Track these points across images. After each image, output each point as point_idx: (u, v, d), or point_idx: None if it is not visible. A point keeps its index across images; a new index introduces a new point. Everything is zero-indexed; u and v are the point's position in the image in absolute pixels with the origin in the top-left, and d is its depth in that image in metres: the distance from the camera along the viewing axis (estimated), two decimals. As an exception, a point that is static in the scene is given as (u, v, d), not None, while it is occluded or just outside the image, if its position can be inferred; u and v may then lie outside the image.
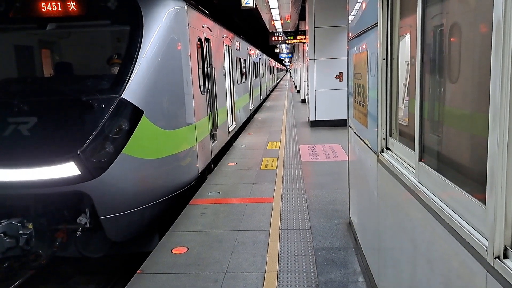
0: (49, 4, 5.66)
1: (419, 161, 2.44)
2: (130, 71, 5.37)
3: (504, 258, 1.50)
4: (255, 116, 18.50)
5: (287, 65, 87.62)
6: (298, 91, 31.10)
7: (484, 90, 1.63)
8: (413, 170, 2.55)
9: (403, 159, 2.87)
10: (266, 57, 31.69)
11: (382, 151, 3.37)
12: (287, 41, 20.32)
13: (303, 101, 23.12)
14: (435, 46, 2.46)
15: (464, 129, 2.19)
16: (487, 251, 1.57)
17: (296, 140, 11.89)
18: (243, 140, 12.22)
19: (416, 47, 2.50)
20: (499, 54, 1.47)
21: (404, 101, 3.28)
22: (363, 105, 4.16)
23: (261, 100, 24.16)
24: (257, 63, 21.65)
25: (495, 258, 1.52)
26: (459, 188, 1.92)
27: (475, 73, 2.03)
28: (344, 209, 5.89)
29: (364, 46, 4.15)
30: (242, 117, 14.57)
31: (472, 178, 1.94)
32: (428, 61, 2.44)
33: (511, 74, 1.43)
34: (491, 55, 1.53)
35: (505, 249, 1.51)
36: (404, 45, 3.21)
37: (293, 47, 38.71)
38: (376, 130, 3.49)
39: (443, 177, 2.10)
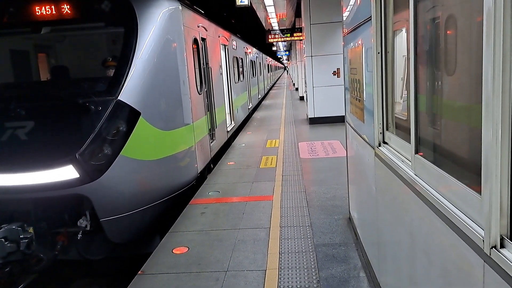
0: (43, 8, 5.65)
1: (415, 154, 2.44)
2: (126, 73, 5.36)
3: (500, 248, 1.50)
4: (253, 115, 18.49)
5: (285, 62, 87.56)
6: (297, 89, 31.08)
7: (478, 82, 1.62)
8: (410, 163, 2.54)
9: (400, 153, 2.87)
10: (264, 55, 31.66)
11: (379, 145, 3.37)
12: (283, 39, 20.27)
13: (302, 98, 23.10)
14: (428, 39, 2.45)
15: (459, 121, 2.19)
16: (483, 241, 1.57)
17: (295, 137, 11.88)
18: (242, 139, 12.22)
19: (409, 40, 2.49)
20: (490, 43, 1.47)
21: (403, 95, 3.27)
22: (359, 100, 4.16)
23: (260, 99, 24.14)
24: (254, 61, 21.62)
25: (491, 248, 1.52)
26: (455, 179, 1.92)
27: (470, 65, 2.02)
28: (344, 205, 5.88)
29: (359, 41, 4.14)
30: (241, 116, 14.56)
31: (468, 169, 1.94)
32: (422, 53, 2.43)
33: (502, 62, 1.43)
34: (483, 45, 1.52)
35: (502, 239, 1.51)
36: (401, 39, 3.20)
37: (290, 44, 38.66)
38: (373, 125, 3.49)
39: (439, 169, 2.10)
